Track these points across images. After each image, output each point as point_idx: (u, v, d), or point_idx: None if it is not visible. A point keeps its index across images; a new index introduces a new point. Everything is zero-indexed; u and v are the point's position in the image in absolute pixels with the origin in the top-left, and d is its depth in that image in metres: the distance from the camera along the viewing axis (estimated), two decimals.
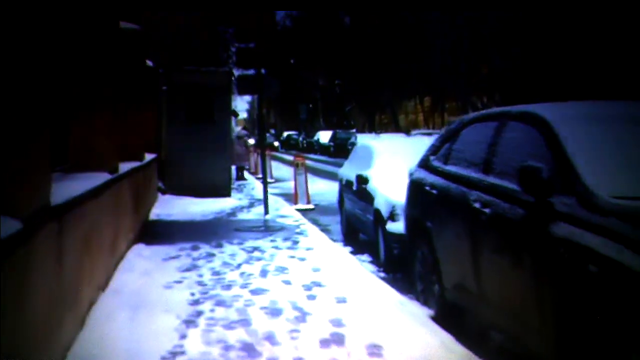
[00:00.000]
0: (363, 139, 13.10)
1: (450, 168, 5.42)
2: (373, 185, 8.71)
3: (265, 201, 11.97)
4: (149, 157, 11.55)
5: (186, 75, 15.10)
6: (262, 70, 11.69)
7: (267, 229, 10.36)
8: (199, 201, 13.66)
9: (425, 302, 5.84)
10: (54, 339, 4.06)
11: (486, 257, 4.59)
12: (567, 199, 3.76)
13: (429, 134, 28.40)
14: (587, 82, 24.71)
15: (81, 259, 5.09)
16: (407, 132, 35.90)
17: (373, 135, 39.48)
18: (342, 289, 6.28)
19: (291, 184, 20.91)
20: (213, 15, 15.84)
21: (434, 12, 31.21)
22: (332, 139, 41.76)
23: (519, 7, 26.11)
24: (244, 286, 6.50)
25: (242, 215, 12.18)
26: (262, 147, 12.79)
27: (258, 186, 19.41)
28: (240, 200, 14.76)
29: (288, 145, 55.82)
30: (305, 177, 14.70)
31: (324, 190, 17.96)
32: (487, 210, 4.53)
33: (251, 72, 11.85)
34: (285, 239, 9.24)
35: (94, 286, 5.64)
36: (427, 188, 5.70)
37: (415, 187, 6.05)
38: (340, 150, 38.98)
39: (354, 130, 44.21)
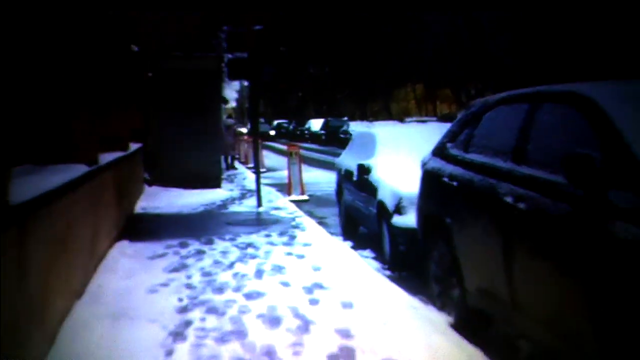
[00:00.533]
0: (360, 127, 12.38)
1: (473, 156, 4.78)
2: (376, 176, 8.06)
3: (257, 192, 11.31)
4: (134, 146, 10.87)
5: (174, 61, 14.37)
6: (256, 54, 11.04)
7: (260, 222, 9.71)
8: (188, 193, 12.98)
9: (442, 307, 5.22)
10: None
11: (520, 259, 3.96)
12: (626, 194, 3.14)
13: (423, 122, 27.84)
14: (583, 66, 24.14)
15: (52, 263, 4.44)
16: (401, 119, 35.29)
17: (366, 123, 38.88)
18: (347, 292, 5.65)
19: (284, 173, 20.30)
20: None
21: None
22: (324, 127, 41.04)
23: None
24: (237, 289, 5.86)
25: (234, 208, 11.51)
26: (255, 135, 12.11)
27: (249, 176, 18.75)
28: (231, 191, 14.09)
29: (279, 133, 55.07)
30: (299, 167, 14.04)
31: (318, 179, 17.32)
32: (521, 206, 3.90)
33: (244, 55, 11.15)
34: (281, 234, 8.59)
35: (69, 293, 4.99)
36: (446, 179, 5.05)
37: (431, 178, 5.40)
38: (332, 138, 38.31)
39: (345, 119, 43.47)
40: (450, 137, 5.32)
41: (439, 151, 5.40)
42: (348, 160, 9.73)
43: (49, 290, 4.27)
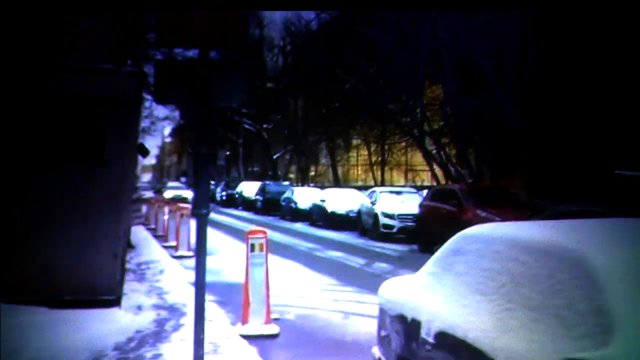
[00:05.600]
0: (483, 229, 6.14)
1: None
2: None
3: (197, 333, 5.15)
4: None
5: (57, 75, 8.24)
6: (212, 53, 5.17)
7: None
8: (55, 320, 6.72)
9: None
10: None
11: None
12: None
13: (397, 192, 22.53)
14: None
15: None
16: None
17: (315, 188, 33.05)
18: None
19: (221, 259, 14.21)
20: None
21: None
22: (261, 192, 34.81)
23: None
24: None
25: None
26: (198, 212, 5.79)
27: (170, 267, 12.49)
28: (138, 311, 7.88)
29: None
30: (266, 269, 7.94)
31: (278, 272, 11.29)
32: None
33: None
34: None
35: None
36: None
37: None
38: (271, 206, 32.26)
39: (287, 182, 37.61)
40: None
41: None
42: (411, 296, 3.91)
43: None
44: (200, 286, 4.98)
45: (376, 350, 4.84)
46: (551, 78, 20.59)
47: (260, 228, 8.49)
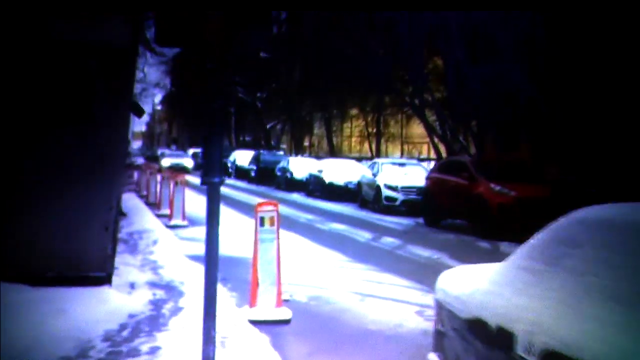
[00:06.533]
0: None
1: None
2: None
3: (207, 329, 4.20)
4: None
5: (40, 21, 7.16)
6: None
7: None
8: (35, 300, 5.76)
9: None
10: None
11: None
12: None
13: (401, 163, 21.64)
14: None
15: None
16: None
17: (310, 158, 31.96)
18: None
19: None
20: None
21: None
22: (255, 161, 33.72)
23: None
24: None
25: None
26: (210, 183, 4.74)
27: (164, 238, 11.56)
28: (131, 290, 6.93)
29: (196, 165, 46.59)
30: (277, 245, 6.99)
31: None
32: None
33: None
34: None
35: None
36: None
37: None
38: (265, 176, 31.27)
39: (281, 152, 36.53)
40: None
41: None
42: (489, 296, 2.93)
43: None
44: (212, 277, 4.00)
45: (434, 358, 3.88)
46: (563, 48, 19.61)
47: (270, 200, 7.52)
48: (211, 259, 4.01)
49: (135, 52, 7.61)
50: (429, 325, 6.61)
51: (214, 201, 4.16)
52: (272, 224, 7.00)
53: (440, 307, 3.75)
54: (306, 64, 37.69)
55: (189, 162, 43.94)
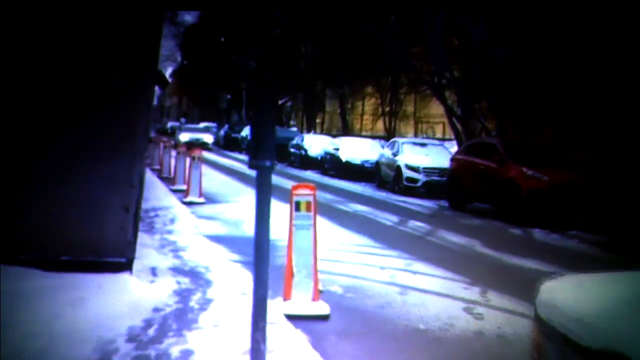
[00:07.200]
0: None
1: None
2: None
3: (255, 341, 3.56)
4: None
5: None
6: None
7: None
8: (49, 288, 5.15)
9: None
10: None
11: None
12: None
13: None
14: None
15: None
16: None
17: (324, 136, 31.21)
18: None
19: (237, 208, 12.81)
20: None
21: None
22: None
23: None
24: None
25: None
26: (256, 163, 4.05)
27: (182, 216, 10.97)
28: (153, 278, 6.32)
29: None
30: (314, 233, 6.34)
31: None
32: None
33: None
34: None
35: None
36: None
37: None
38: (278, 153, 30.53)
39: (294, 129, 35.80)
40: None
41: None
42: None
43: None
44: (261, 294, 3.35)
45: None
46: (587, 30, 18.78)
47: (307, 184, 6.86)
48: (260, 265, 3.36)
49: (161, 17, 6.92)
50: (481, 326, 5.98)
51: (263, 189, 3.50)
52: (308, 209, 6.34)
53: (544, 328, 2.99)
54: (320, 40, 36.88)
55: (209, 138, 42.14)
